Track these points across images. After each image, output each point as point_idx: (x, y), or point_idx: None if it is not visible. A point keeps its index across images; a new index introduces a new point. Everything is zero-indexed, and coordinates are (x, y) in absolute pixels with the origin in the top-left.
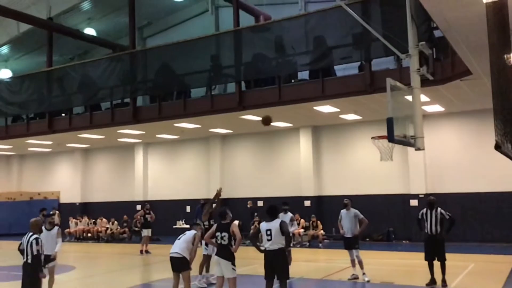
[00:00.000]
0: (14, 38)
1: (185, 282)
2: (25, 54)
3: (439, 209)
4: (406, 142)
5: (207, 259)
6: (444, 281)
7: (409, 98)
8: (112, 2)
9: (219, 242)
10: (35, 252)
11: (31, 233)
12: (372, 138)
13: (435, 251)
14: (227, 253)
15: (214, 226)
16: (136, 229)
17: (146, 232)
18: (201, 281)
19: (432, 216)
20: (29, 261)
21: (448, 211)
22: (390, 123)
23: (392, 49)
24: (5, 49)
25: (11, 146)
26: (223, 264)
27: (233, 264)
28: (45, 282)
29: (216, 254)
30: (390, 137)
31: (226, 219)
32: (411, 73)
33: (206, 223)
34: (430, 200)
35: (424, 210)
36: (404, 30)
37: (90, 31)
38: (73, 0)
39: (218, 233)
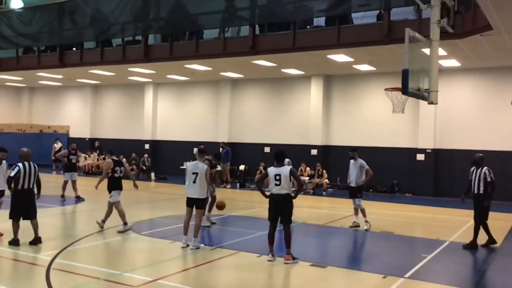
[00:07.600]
0: None
1: (198, 218)
2: None
3: (484, 168)
4: (419, 95)
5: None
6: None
7: (426, 51)
8: None
9: None
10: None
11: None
12: (385, 89)
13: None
14: None
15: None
16: (144, 168)
17: (69, 176)
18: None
19: (476, 174)
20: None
21: (455, 168)
22: (405, 75)
23: None
24: None
25: (21, 78)
26: None
27: None
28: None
29: None
30: (405, 89)
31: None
32: (431, 24)
33: None
34: (475, 158)
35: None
36: None
37: None
38: None
39: None
